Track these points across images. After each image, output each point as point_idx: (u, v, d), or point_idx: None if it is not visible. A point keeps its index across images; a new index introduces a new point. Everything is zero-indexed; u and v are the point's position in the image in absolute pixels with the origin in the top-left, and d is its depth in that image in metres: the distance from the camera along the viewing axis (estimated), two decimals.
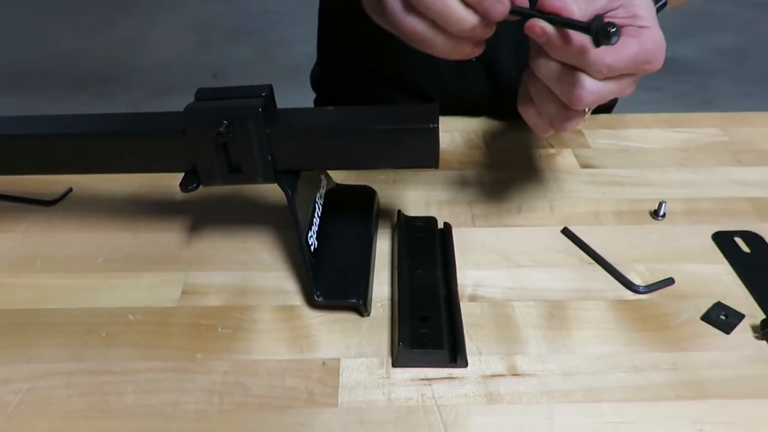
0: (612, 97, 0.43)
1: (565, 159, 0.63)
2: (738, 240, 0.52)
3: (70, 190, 0.58)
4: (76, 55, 2.87)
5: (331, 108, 0.45)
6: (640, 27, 0.41)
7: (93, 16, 3.18)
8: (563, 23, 0.38)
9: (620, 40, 0.39)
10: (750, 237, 0.52)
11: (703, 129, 0.67)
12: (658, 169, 0.61)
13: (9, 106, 2.51)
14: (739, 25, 3.35)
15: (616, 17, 0.41)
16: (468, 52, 0.42)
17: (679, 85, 2.80)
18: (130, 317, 0.45)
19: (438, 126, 0.42)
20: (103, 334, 0.44)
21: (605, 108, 0.79)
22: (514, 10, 0.39)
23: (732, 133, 0.66)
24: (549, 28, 0.39)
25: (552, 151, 0.64)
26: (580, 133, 0.66)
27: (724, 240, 0.52)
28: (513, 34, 0.64)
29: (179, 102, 0.42)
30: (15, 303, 0.47)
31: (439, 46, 0.41)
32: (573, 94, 0.41)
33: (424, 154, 0.43)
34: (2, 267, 0.50)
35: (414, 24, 0.40)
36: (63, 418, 0.39)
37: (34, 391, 0.40)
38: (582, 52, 0.39)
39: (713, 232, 0.53)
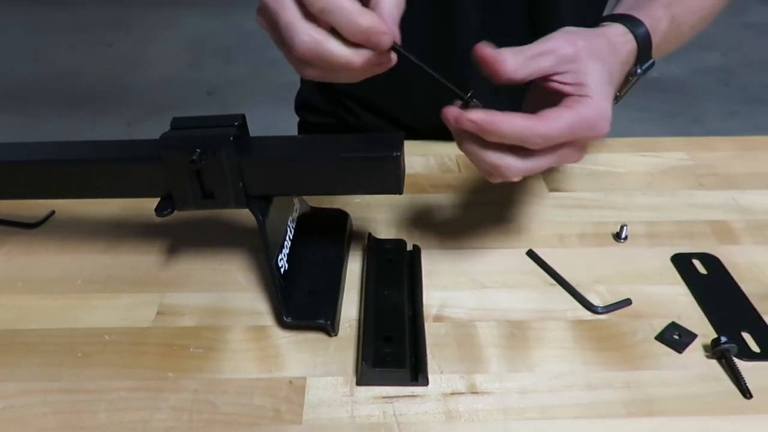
0: (552, 166, 0.44)
1: (534, 183, 0.65)
2: (696, 262, 0.54)
3: (53, 213, 0.59)
4: (71, 73, 2.89)
5: (301, 136, 0.47)
6: (581, 96, 0.42)
7: (90, 35, 3.22)
8: (442, 83, 0.42)
9: (554, 110, 0.41)
10: (707, 259, 0.54)
11: (669, 153, 0.70)
12: (623, 192, 0.63)
13: (4, 124, 2.54)
14: (725, 45, 3.40)
15: (562, 81, 0.43)
16: (375, 71, 0.42)
17: (667, 104, 2.84)
18: (106, 337, 0.47)
19: (401, 155, 0.44)
20: (80, 354, 0.46)
21: None
22: (395, 48, 0.41)
23: (697, 158, 0.69)
24: (478, 116, 0.41)
25: None
26: None
27: (682, 262, 0.54)
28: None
29: None
30: None
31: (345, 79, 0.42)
32: (500, 174, 0.43)
33: (388, 182, 0.45)
34: None
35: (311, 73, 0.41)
36: None
37: (10, 410, 0.42)
38: (515, 130, 0.40)
39: (673, 254, 0.55)
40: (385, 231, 0.58)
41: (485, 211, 0.60)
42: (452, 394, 0.43)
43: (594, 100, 0.42)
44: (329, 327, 0.46)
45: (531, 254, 0.55)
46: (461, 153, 0.68)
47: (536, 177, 0.65)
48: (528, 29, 0.67)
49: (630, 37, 0.49)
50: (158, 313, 0.49)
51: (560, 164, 0.44)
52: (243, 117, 0.46)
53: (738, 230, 0.58)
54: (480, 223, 0.59)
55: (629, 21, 0.50)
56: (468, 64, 0.69)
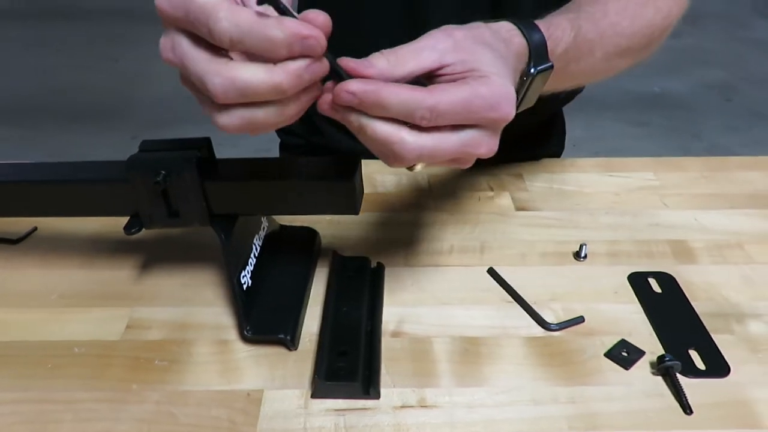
0: (455, 153, 0.39)
1: (502, 201, 0.67)
2: (651, 281, 0.56)
3: (35, 229, 0.62)
4: (76, 88, 2.95)
5: (263, 159, 0.49)
6: (480, 76, 0.39)
7: (96, 50, 3.28)
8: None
9: (447, 84, 0.38)
10: (663, 278, 0.56)
11: (637, 173, 0.71)
12: (587, 212, 0.65)
13: (6, 138, 2.59)
14: (727, 61, 3.42)
15: (452, 72, 0.39)
16: (293, 112, 0.38)
17: (668, 120, 2.85)
18: (76, 350, 0.49)
19: (355, 178, 0.46)
20: (50, 366, 0.48)
21: (553, 153, 0.83)
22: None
23: (663, 178, 0.70)
24: (358, 87, 0.36)
25: (491, 194, 0.68)
26: (520, 177, 0.71)
27: (638, 281, 0.56)
28: None
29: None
30: None
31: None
32: (395, 153, 0.38)
33: (344, 203, 0.47)
34: None
35: (242, 118, 0.37)
36: None
37: None
38: (401, 100, 0.36)
39: (629, 273, 0.56)
40: (353, 248, 0.60)
41: (452, 229, 0.62)
42: (402, 407, 0.45)
43: (492, 79, 0.39)
44: (288, 341, 0.48)
45: (491, 272, 0.57)
46: (435, 172, 0.70)
47: (504, 196, 0.67)
48: None
49: (516, 32, 0.46)
50: (127, 326, 0.51)
51: (469, 154, 0.40)
52: (208, 140, 0.48)
53: (697, 250, 0.59)
54: (445, 242, 0.61)
55: (519, 21, 0.47)
56: None
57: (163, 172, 0.45)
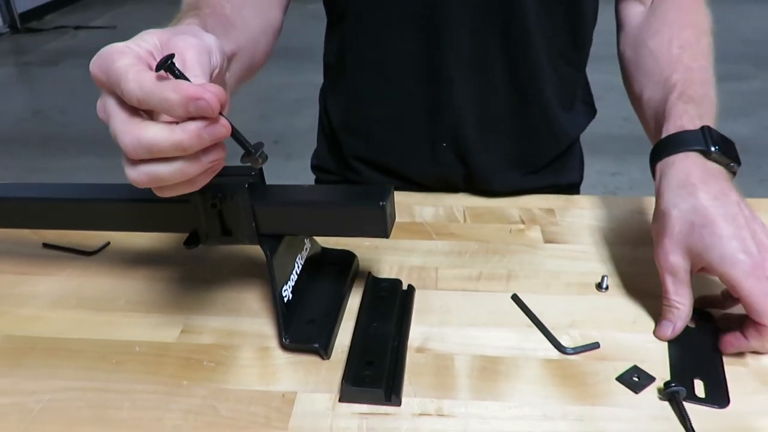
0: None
1: (532, 234, 0.70)
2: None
3: (108, 243, 0.70)
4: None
5: (307, 186, 0.56)
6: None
7: None
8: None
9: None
10: (699, 313, 0.57)
11: None
12: (613, 246, 0.68)
13: (85, 166, 2.79)
14: None
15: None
16: (195, 171, 0.40)
17: None
18: (137, 348, 0.56)
19: (386, 204, 0.51)
20: (114, 361, 0.54)
21: (573, 181, 0.86)
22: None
23: None
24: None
25: (522, 226, 0.72)
26: (551, 211, 0.74)
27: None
28: (477, 117, 0.74)
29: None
30: (50, 332, 0.58)
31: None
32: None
33: (375, 227, 0.52)
34: (46, 303, 0.62)
35: (148, 172, 0.40)
36: (72, 424, 0.49)
37: (54, 402, 0.51)
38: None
39: (650, 305, 0.59)
40: (387, 271, 0.65)
41: (482, 258, 0.67)
42: (421, 415, 0.49)
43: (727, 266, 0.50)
44: (322, 351, 0.53)
45: (515, 298, 0.60)
46: (470, 204, 0.75)
47: (534, 229, 0.71)
48: (514, 93, 0.74)
49: (679, 156, 0.56)
50: (182, 331, 0.57)
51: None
52: (260, 169, 0.55)
53: (718, 285, 0.61)
54: (474, 269, 0.65)
55: (667, 148, 0.57)
56: (461, 125, 0.77)
57: (219, 194, 0.52)
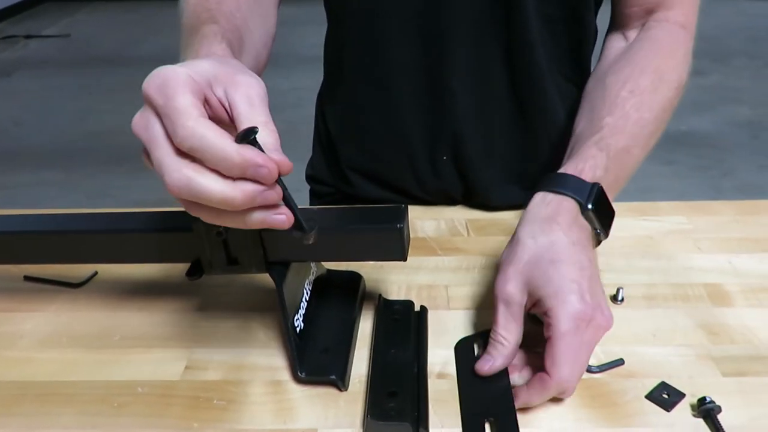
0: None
1: None
2: None
3: (95, 273, 0.66)
4: (115, 131, 3.05)
5: (315, 208, 0.53)
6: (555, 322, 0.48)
7: (133, 95, 3.40)
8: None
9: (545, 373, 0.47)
10: None
11: (669, 217, 0.73)
12: (623, 256, 0.67)
13: (47, 180, 2.69)
14: (754, 99, 3.42)
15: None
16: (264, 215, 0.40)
17: (697, 158, 2.85)
18: (139, 389, 0.52)
19: (404, 226, 0.49)
20: (115, 404, 0.51)
21: None
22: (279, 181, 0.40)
23: (696, 221, 0.72)
24: None
25: None
26: None
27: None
28: (479, 131, 0.72)
29: None
30: (41, 375, 0.54)
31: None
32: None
33: (393, 249, 0.49)
34: (33, 343, 0.57)
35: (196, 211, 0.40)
36: None
37: None
38: None
39: (666, 316, 0.58)
40: (396, 291, 0.62)
41: (490, 273, 0.65)
42: None
43: (557, 311, 0.48)
44: (339, 383, 0.51)
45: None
46: (471, 217, 0.74)
47: None
48: (515, 107, 0.73)
49: (552, 197, 0.54)
50: (186, 367, 0.54)
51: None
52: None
53: (732, 293, 0.61)
54: (484, 285, 0.63)
55: (551, 183, 0.55)
56: (462, 138, 0.75)
57: None
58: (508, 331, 0.50)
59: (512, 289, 0.50)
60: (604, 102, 0.61)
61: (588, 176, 0.54)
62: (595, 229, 0.54)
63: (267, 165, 0.37)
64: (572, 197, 0.53)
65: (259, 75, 0.60)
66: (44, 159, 2.89)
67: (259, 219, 0.40)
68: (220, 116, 0.41)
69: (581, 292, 0.48)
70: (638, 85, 0.61)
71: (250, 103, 0.40)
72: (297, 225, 0.42)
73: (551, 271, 0.49)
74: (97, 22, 5.20)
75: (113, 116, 3.22)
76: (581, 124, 0.62)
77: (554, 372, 0.46)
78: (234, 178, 0.38)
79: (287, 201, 0.41)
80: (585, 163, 0.56)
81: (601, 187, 0.54)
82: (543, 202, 0.54)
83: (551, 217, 0.52)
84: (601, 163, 0.56)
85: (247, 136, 0.38)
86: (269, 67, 0.65)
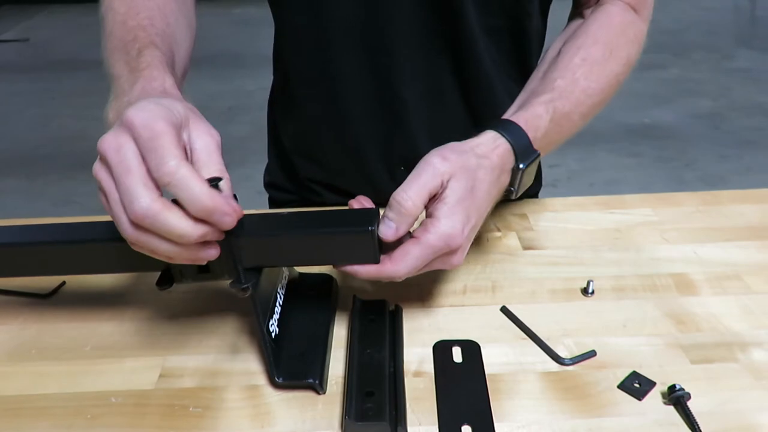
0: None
1: (509, 241, 0.70)
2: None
3: (63, 283, 0.64)
4: (77, 137, 2.99)
5: (285, 212, 0.53)
6: (431, 226, 0.50)
7: (95, 99, 3.33)
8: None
9: (402, 249, 0.50)
10: None
11: (636, 209, 0.75)
12: (591, 249, 0.68)
13: (10, 188, 2.62)
14: (714, 91, 3.50)
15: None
16: (200, 255, 0.44)
17: (659, 150, 2.91)
18: (113, 399, 0.51)
19: (375, 228, 0.49)
20: (88, 416, 0.50)
21: (532, 191, 0.86)
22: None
23: (661, 213, 0.74)
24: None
25: (498, 234, 0.71)
26: (524, 216, 0.74)
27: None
28: (433, 140, 0.73)
29: None
30: (10, 390, 0.52)
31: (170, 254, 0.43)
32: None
33: (365, 253, 0.49)
34: (1, 357, 0.56)
35: (140, 237, 0.42)
36: None
37: None
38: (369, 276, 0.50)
39: (634, 306, 0.59)
40: (369, 291, 0.62)
41: (463, 269, 0.65)
42: None
43: (441, 223, 0.50)
44: (317, 385, 0.51)
45: (504, 310, 0.59)
46: None
47: (511, 236, 0.70)
48: (467, 112, 0.75)
49: (502, 140, 0.55)
50: (160, 375, 0.53)
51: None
52: (234, 197, 0.51)
53: (698, 282, 0.62)
54: (458, 282, 0.63)
55: (502, 126, 0.56)
56: (417, 148, 0.76)
57: None
58: (410, 196, 0.50)
59: (438, 164, 0.51)
60: (557, 65, 0.63)
61: (531, 132, 0.57)
62: (511, 186, 0.57)
63: (231, 215, 0.42)
64: (515, 152, 0.56)
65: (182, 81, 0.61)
66: (6, 166, 2.82)
67: (192, 255, 0.44)
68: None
69: (466, 224, 0.51)
70: (590, 54, 0.63)
71: (209, 151, 0.44)
72: (235, 273, 0.48)
73: (465, 188, 0.51)
74: (56, 26, 5.08)
75: (75, 121, 3.16)
76: (534, 82, 0.64)
77: (394, 268, 0.50)
78: (196, 219, 0.41)
79: (232, 250, 0.48)
80: (534, 120, 0.58)
81: (539, 154, 0.57)
82: (494, 142, 0.55)
83: (484, 151, 0.54)
84: (543, 125, 0.58)
85: (211, 183, 0.42)
86: (235, 68, 0.66)
